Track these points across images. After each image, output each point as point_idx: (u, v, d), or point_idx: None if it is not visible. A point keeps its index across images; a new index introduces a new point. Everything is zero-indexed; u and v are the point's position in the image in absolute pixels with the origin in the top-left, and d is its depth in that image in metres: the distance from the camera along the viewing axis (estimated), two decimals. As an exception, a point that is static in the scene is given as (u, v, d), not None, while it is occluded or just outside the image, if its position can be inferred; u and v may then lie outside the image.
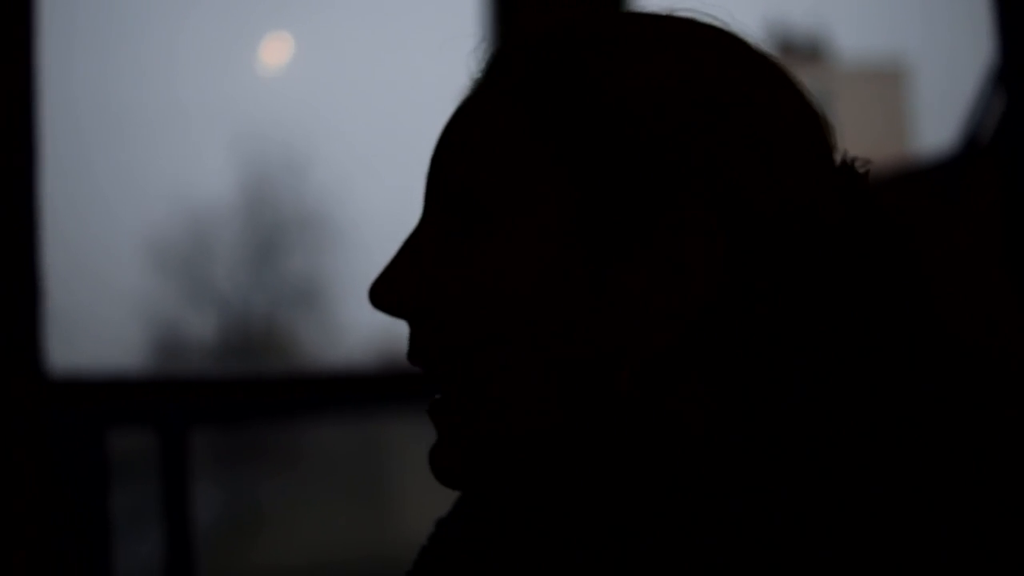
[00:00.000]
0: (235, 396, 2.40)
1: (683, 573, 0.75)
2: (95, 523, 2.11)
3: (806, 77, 0.93)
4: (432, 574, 0.93)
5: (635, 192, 0.80)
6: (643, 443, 0.82)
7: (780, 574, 0.72)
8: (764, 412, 0.79)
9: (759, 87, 0.84)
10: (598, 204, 0.81)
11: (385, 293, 0.87)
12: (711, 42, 0.85)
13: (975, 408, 0.77)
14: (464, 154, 0.85)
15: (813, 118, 0.87)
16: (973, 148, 1.86)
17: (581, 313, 0.81)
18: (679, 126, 0.81)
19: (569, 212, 0.81)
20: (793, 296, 0.82)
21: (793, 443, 0.77)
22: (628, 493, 0.83)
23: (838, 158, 0.88)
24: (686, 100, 0.81)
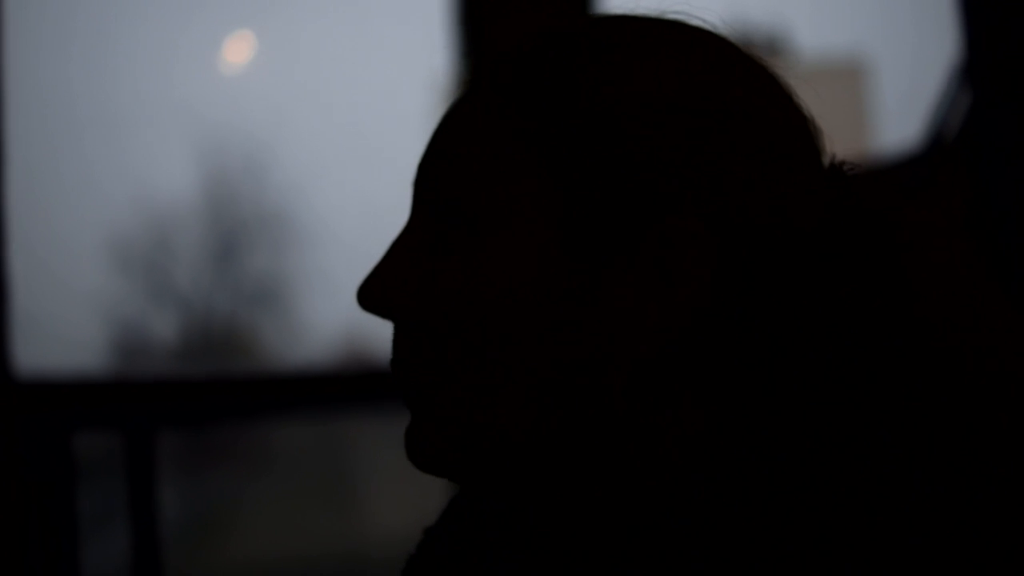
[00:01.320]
0: (201, 398, 2.39)
1: None
2: (62, 525, 2.10)
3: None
4: None
5: (624, 200, 0.80)
6: (632, 451, 0.82)
7: None
8: (754, 422, 0.79)
9: (748, 92, 0.83)
10: (587, 212, 0.80)
11: (374, 295, 0.86)
12: (700, 46, 0.85)
13: (964, 419, 0.77)
14: (451, 160, 0.85)
15: (802, 121, 0.86)
16: (938, 145, 1.87)
17: (569, 320, 0.80)
18: (668, 134, 0.80)
19: (557, 219, 0.80)
20: (784, 304, 0.81)
21: (783, 453, 0.77)
22: (615, 502, 0.83)
23: (826, 161, 0.87)
24: (675, 107, 0.80)
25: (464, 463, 0.84)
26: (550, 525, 0.86)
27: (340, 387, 2.57)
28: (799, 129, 0.85)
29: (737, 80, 0.83)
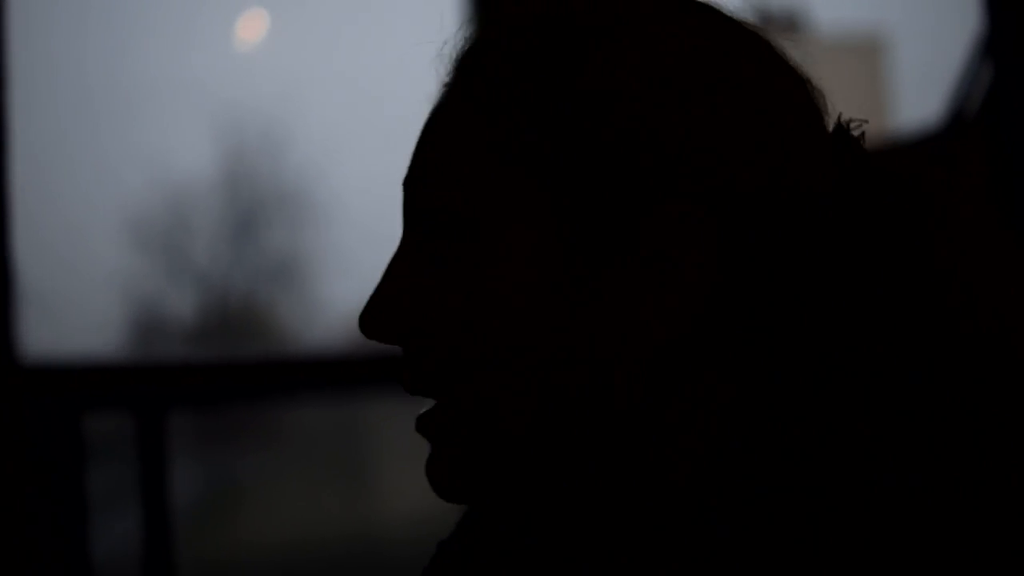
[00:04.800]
0: (214, 382, 2.38)
1: None
2: (71, 507, 2.09)
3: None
4: None
5: (616, 191, 0.77)
6: (649, 448, 0.80)
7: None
8: (772, 407, 0.77)
9: (734, 60, 0.80)
10: (582, 207, 0.78)
11: (375, 322, 0.84)
12: (680, 19, 0.82)
13: (987, 403, 0.75)
14: (436, 172, 0.82)
15: (799, 85, 0.83)
16: (959, 121, 1.84)
17: (574, 321, 0.78)
18: (654, 116, 0.77)
19: (552, 219, 0.78)
20: (792, 278, 0.79)
21: (800, 443, 0.74)
22: (633, 503, 0.81)
23: (830, 123, 0.85)
24: (656, 88, 0.78)
25: (485, 483, 0.82)
26: (563, 530, 0.84)
27: (354, 370, 2.56)
28: (795, 93, 0.82)
29: (721, 48, 0.80)
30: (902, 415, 0.74)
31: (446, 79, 0.87)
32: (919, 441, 0.73)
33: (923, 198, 0.82)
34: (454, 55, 0.87)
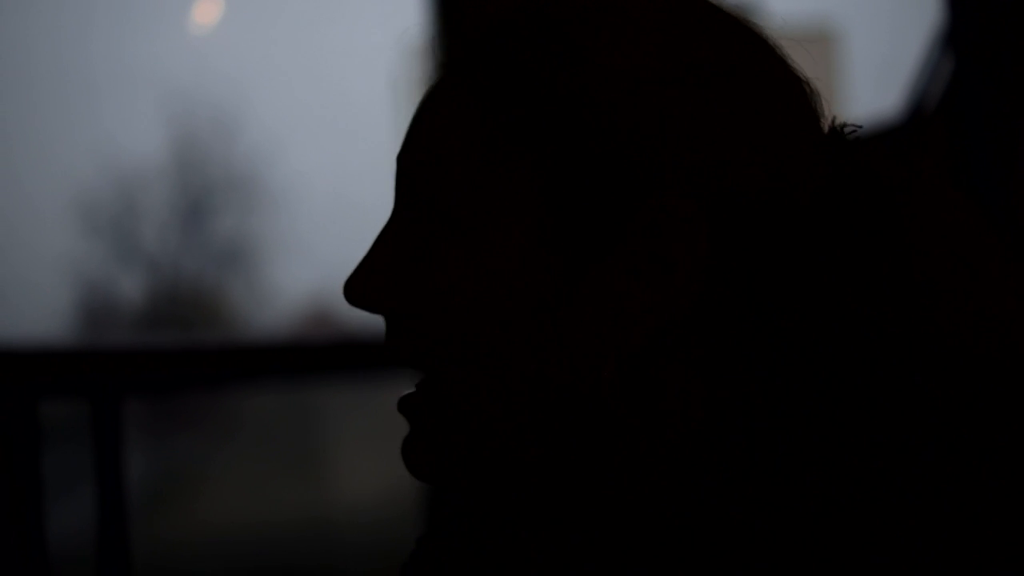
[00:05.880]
0: (169, 368, 2.37)
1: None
2: (26, 492, 2.07)
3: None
4: None
5: (608, 185, 0.77)
6: (631, 444, 0.79)
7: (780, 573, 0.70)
8: (756, 407, 0.77)
9: (730, 57, 0.80)
10: (571, 200, 0.77)
11: (360, 290, 0.84)
12: (676, 13, 0.81)
13: (970, 402, 0.75)
14: (427, 159, 0.82)
15: (795, 85, 0.82)
16: (919, 114, 1.85)
17: (561, 313, 0.78)
18: (646, 109, 0.77)
19: (542, 211, 0.78)
20: (782, 277, 0.79)
21: (787, 439, 0.75)
22: (616, 498, 0.81)
23: (826, 125, 0.84)
24: (652, 82, 0.77)
25: (461, 469, 0.82)
26: (550, 526, 0.84)
27: (309, 357, 2.55)
28: (792, 93, 0.82)
29: (717, 44, 0.80)
30: (884, 411, 0.74)
31: (441, 61, 0.86)
32: (900, 436, 0.73)
33: (909, 200, 0.82)
34: (447, 42, 0.86)
